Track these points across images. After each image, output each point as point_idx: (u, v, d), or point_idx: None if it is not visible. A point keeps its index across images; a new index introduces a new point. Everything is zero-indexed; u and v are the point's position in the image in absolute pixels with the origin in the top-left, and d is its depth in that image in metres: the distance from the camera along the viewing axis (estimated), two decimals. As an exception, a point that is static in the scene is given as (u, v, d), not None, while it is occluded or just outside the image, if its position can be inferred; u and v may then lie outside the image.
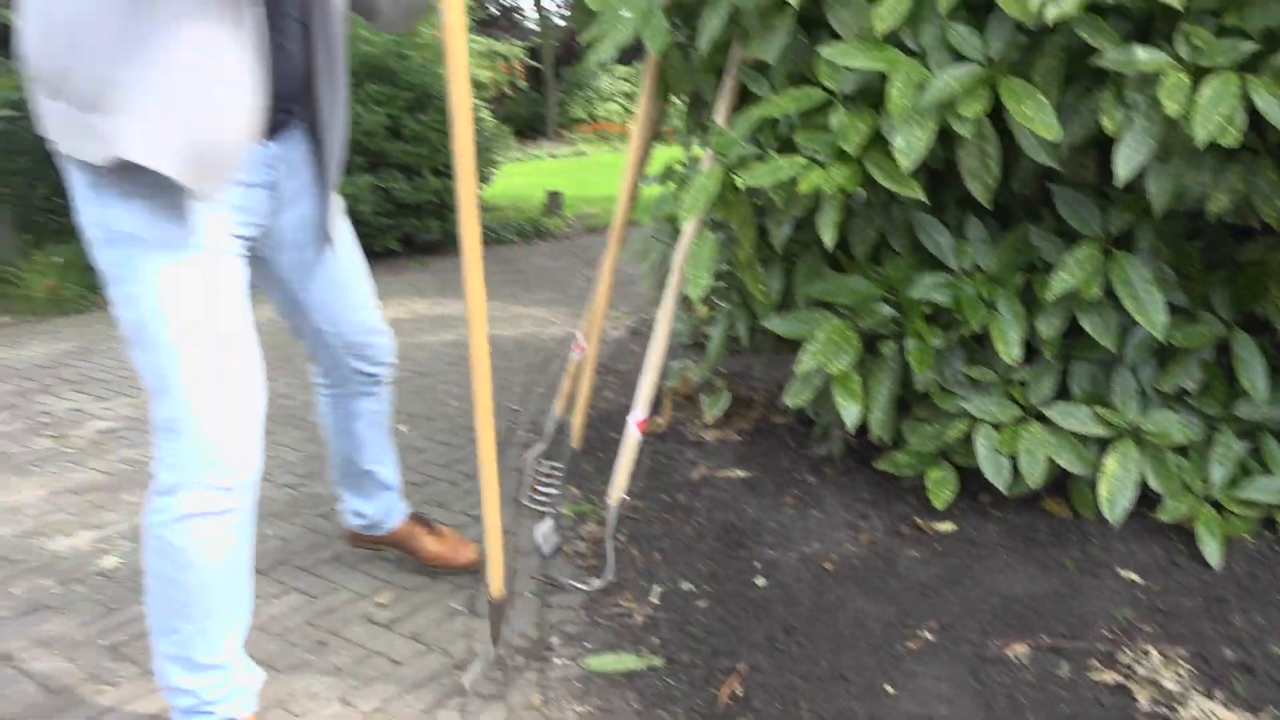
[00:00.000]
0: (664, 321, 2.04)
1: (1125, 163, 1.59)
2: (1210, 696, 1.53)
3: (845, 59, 1.72)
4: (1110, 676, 1.60)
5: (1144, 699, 1.54)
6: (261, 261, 1.59)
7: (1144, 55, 1.56)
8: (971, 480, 2.16)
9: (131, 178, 1.26)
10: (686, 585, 1.96)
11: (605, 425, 2.92)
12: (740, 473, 2.50)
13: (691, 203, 1.87)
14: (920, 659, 1.68)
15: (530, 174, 12.07)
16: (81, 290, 5.25)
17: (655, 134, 2.22)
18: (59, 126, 1.26)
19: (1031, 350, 2.02)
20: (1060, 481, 2.09)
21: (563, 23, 22.27)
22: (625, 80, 19.08)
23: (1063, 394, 2.02)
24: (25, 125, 5.78)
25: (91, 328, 4.79)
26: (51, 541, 2.35)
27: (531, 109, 17.44)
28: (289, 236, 1.57)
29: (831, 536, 2.13)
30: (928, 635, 1.74)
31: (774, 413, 2.88)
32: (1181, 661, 1.62)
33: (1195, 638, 1.70)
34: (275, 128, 1.44)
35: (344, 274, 1.68)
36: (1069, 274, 1.80)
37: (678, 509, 2.32)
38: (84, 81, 1.20)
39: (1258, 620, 1.74)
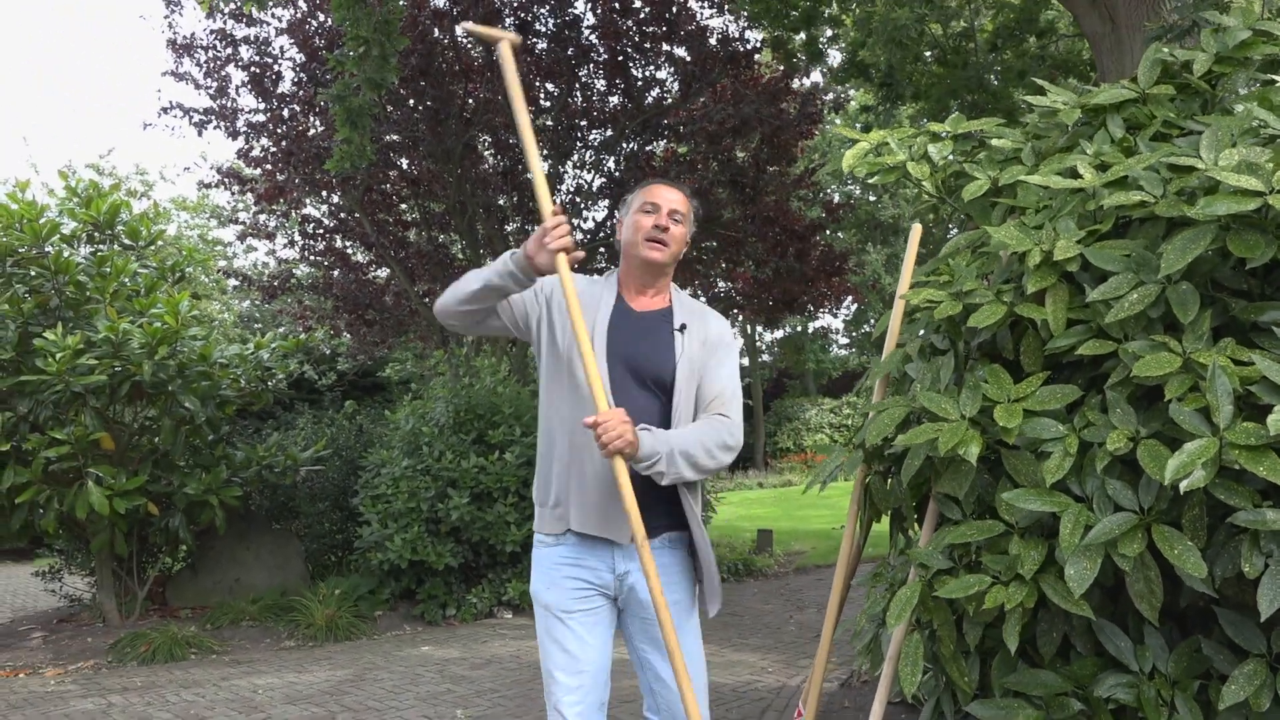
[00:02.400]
0: (878, 714, 2.42)
1: (1267, 601, 1.94)
2: None
3: (1021, 502, 2.20)
4: None
5: None
6: (621, 619, 2.36)
7: (1272, 515, 1.96)
8: None
9: (563, 542, 2.27)
10: None
11: (820, 787, 3.19)
12: (950, 846, 2.70)
13: (898, 612, 2.33)
14: None
15: (740, 504, 12.68)
16: (352, 620, 6.07)
17: (864, 540, 2.73)
18: (545, 521, 2.28)
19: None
20: None
21: (769, 359, 23.87)
22: (832, 413, 20.00)
23: (1254, 794, 2.20)
24: (326, 476, 6.98)
25: (362, 656, 5.52)
26: None
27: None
28: (633, 609, 2.31)
29: None
30: None
31: (981, 786, 3.08)
32: None
33: None
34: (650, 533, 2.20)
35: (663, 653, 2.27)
36: (1238, 686, 2.09)
37: None
38: (555, 494, 2.26)
39: None
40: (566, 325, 2.27)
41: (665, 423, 2.27)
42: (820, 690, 2.73)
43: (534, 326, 2.35)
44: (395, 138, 9.74)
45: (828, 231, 12.90)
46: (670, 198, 2.36)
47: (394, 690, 4.72)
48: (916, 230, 2.91)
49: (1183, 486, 1.96)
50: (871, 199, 21.79)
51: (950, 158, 2.96)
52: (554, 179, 10.25)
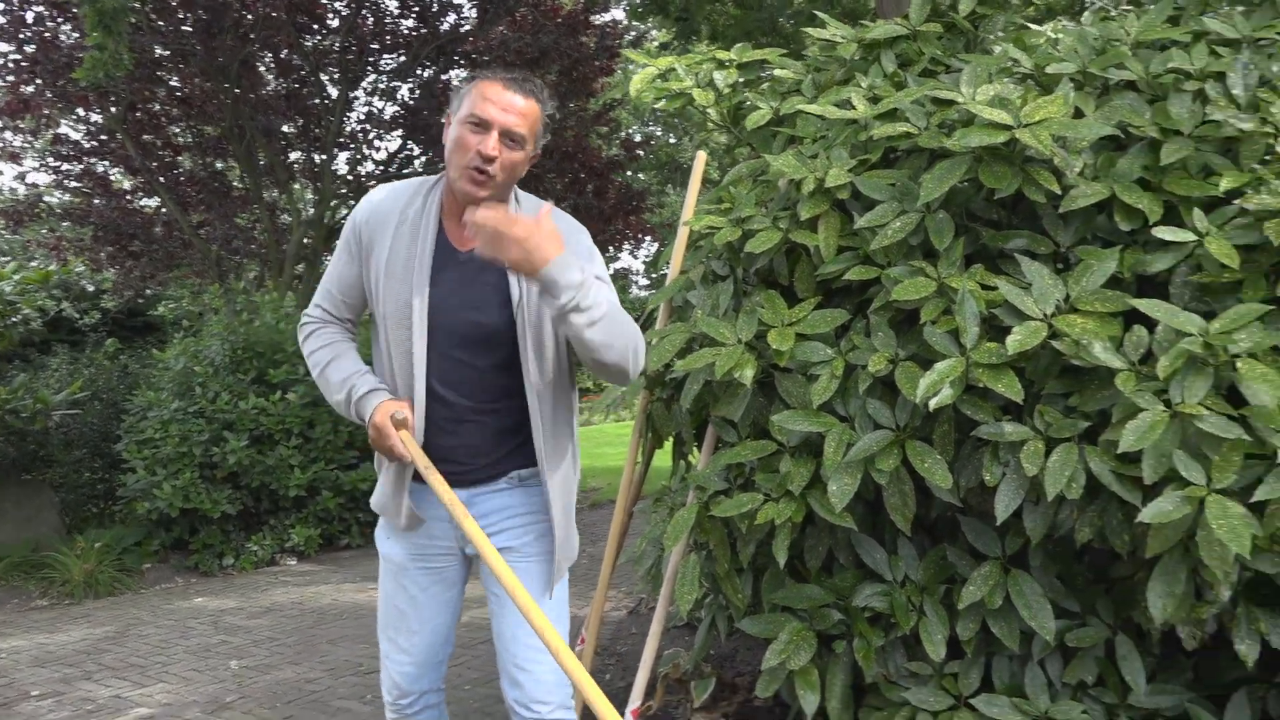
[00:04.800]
0: (655, 633, 2.46)
1: (1002, 505, 2.09)
2: None
3: (790, 423, 2.27)
4: None
5: None
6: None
7: (1010, 429, 2.10)
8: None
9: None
10: None
11: (604, 709, 3.24)
12: (724, 756, 2.81)
13: (675, 533, 2.36)
14: None
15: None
16: (116, 574, 5.63)
17: (647, 467, 2.75)
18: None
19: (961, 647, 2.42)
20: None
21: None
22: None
23: (988, 685, 2.41)
24: (84, 421, 6.38)
25: (125, 611, 5.13)
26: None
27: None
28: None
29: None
30: None
31: (756, 697, 3.22)
32: None
33: None
34: (473, 482, 1.97)
35: (507, 603, 1.97)
36: (975, 587, 2.25)
37: (669, 791, 2.62)
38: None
39: None
40: (383, 293, 1.93)
41: (521, 400, 1.94)
42: (601, 616, 2.75)
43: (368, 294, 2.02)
44: (163, 51, 8.89)
45: (628, 172, 12.93)
46: (508, 112, 1.87)
47: (160, 645, 4.41)
48: (701, 157, 2.91)
49: (932, 404, 2.07)
50: (672, 140, 22.03)
51: (736, 85, 2.98)
52: (343, 105, 9.69)
